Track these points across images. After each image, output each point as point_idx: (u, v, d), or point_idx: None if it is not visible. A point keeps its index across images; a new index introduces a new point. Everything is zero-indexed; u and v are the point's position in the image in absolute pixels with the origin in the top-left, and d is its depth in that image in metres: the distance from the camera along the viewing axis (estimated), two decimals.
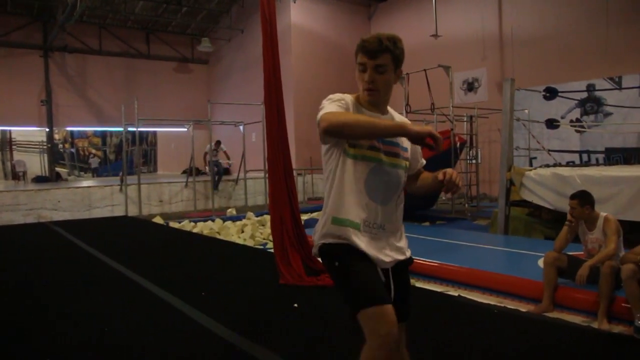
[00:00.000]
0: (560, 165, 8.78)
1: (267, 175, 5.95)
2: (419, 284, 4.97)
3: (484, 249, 6.17)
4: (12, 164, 19.42)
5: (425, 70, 9.96)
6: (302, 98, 14.63)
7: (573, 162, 10.76)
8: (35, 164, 19.95)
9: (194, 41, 18.85)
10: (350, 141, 1.85)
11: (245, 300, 4.49)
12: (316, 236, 1.96)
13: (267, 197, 9.84)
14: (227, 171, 13.77)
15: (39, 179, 16.48)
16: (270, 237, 6.31)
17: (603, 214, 4.05)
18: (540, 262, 4.31)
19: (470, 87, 13.38)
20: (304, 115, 14.53)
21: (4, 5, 15.33)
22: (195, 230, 9.19)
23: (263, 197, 12.93)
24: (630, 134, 10.04)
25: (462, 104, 12.57)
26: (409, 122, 1.87)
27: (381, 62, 1.83)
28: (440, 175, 1.86)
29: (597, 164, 10.24)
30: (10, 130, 20.52)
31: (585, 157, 10.81)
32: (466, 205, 11.10)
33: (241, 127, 13.20)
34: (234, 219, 10.22)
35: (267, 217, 8.30)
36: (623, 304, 3.63)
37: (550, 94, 11.15)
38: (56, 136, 20.18)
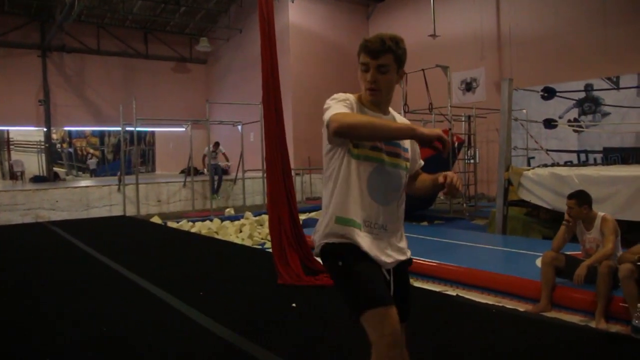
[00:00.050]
0: (558, 165, 8.79)
1: (265, 175, 5.97)
2: (418, 284, 4.97)
3: (482, 249, 6.18)
4: (10, 163, 19.39)
5: (423, 70, 9.96)
6: (300, 98, 14.63)
7: (571, 161, 10.77)
8: (33, 163, 19.93)
9: (192, 41, 18.84)
10: (354, 141, 1.85)
11: (244, 300, 4.49)
12: (317, 236, 1.95)
13: (265, 197, 9.83)
14: (225, 172, 13.73)
15: (36, 179, 16.45)
16: (269, 237, 6.30)
17: (601, 213, 4.06)
18: (538, 262, 4.31)
19: (469, 87, 13.39)
20: (302, 115, 14.53)
21: (1, 5, 15.30)
22: (193, 230, 9.18)
23: (261, 197, 12.93)
24: (628, 133, 10.06)
25: (460, 103, 12.58)
26: (408, 122, 1.88)
27: (383, 62, 1.84)
28: (441, 179, 1.86)
29: (595, 163, 10.26)
30: (8, 130, 20.48)
31: (583, 156, 10.83)
32: (464, 205, 11.11)
33: (239, 127, 13.20)
34: (232, 218, 10.22)
35: (266, 217, 8.30)
36: (621, 304, 3.64)
37: (548, 93, 11.16)
38: (54, 136, 20.15)
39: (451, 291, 4.75)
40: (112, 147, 25.07)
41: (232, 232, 8.80)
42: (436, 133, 1.72)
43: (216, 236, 8.68)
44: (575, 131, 10.77)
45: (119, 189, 12.27)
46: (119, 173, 12.82)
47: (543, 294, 4.02)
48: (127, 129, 12.82)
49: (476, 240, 6.59)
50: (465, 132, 11.59)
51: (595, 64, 10.61)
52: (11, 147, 21.09)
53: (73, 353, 3.31)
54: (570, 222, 4.13)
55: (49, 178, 16.74)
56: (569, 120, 11.02)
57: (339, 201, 1.88)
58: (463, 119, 11.68)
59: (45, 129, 16.77)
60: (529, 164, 10.34)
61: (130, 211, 11.93)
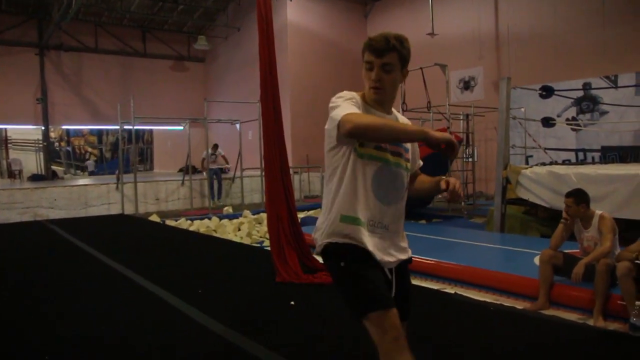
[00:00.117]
0: (556, 163, 8.82)
1: (263, 173, 5.96)
2: (416, 282, 4.97)
3: (480, 247, 6.19)
4: (8, 162, 19.37)
5: (421, 68, 9.96)
6: (299, 96, 14.63)
7: (569, 160, 10.79)
8: (31, 162, 19.92)
9: (190, 39, 18.81)
10: (362, 141, 1.85)
11: (242, 298, 4.49)
12: (319, 234, 1.94)
13: (263, 195, 9.83)
14: (223, 171, 13.68)
15: (35, 177, 16.43)
16: (267, 235, 6.31)
17: (598, 212, 4.07)
18: (536, 260, 4.33)
19: (467, 85, 13.40)
20: (301, 113, 14.53)
21: None
22: (191, 229, 9.18)
23: (259, 195, 12.93)
24: (626, 132, 10.08)
25: (459, 102, 12.58)
26: (409, 122, 1.87)
27: (388, 60, 1.83)
28: (443, 185, 1.87)
29: (593, 162, 10.28)
30: (5, 129, 20.46)
31: (581, 155, 10.84)
32: (462, 203, 11.13)
33: (237, 125, 13.18)
34: (230, 217, 10.22)
35: (264, 216, 8.30)
36: (618, 302, 3.66)
37: (547, 92, 11.18)
38: (52, 134, 20.16)
39: (449, 289, 4.76)
40: (110, 146, 25.06)
41: (230, 231, 8.80)
42: (447, 137, 1.73)
43: (214, 234, 8.68)
44: (573, 130, 10.78)
45: (117, 188, 12.25)
46: (117, 171, 12.80)
47: (541, 292, 4.03)
48: (125, 127, 12.80)
49: (474, 239, 6.60)
50: (463, 130, 11.59)
51: (594, 62, 10.63)
52: (9, 145, 21.07)
53: (72, 351, 3.31)
54: (568, 220, 4.13)
55: (47, 176, 16.72)
56: (567, 119, 11.03)
57: (344, 200, 1.87)
58: (461, 117, 11.69)
59: (43, 128, 16.74)
60: (527, 163, 10.35)
61: (129, 209, 11.92)
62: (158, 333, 3.61)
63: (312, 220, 8.20)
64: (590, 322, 3.68)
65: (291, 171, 6.04)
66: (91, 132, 24.82)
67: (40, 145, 18.38)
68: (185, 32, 18.97)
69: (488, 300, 4.34)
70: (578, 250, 4.23)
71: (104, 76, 17.38)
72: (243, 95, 14.75)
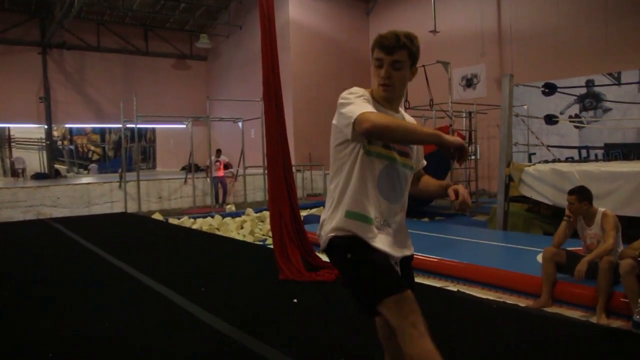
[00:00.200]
0: (559, 161, 8.78)
1: (266, 171, 5.98)
2: (419, 280, 4.97)
3: (483, 245, 6.19)
4: (11, 161, 19.43)
5: (424, 66, 9.91)
6: (301, 94, 14.62)
7: (572, 157, 10.76)
8: (34, 161, 19.97)
9: (192, 38, 18.83)
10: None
11: (245, 295, 4.50)
12: (324, 230, 1.94)
13: (266, 194, 9.85)
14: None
15: (38, 176, 16.48)
16: (270, 234, 6.32)
17: (601, 209, 4.06)
18: (539, 258, 4.32)
19: (469, 83, 13.37)
20: (303, 111, 14.53)
21: (1, 2, 15.29)
22: (194, 227, 9.20)
23: (262, 193, 12.94)
24: (630, 129, 10.05)
25: (461, 100, 12.55)
26: (414, 120, 1.87)
27: (398, 58, 1.84)
28: (452, 196, 1.88)
29: (596, 159, 10.25)
30: (9, 128, 20.52)
31: (584, 152, 10.81)
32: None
33: (240, 124, 13.19)
34: (233, 215, 10.23)
35: (267, 214, 8.31)
36: (621, 299, 3.65)
37: (549, 89, 11.15)
38: (55, 133, 20.17)
39: (452, 287, 4.76)
40: (113, 144, 25.11)
41: (233, 229, 8.81)
42: (459, 142, 1.74)
43: (217, 233, 8.69)
44: (576, 127, 10.76)
45: (120, 186, 12.28)
46: (120, 170, 12.83)
47: (544, 290, 4.03)
48: (128, 125, 12.82)
49: (477, 236, 6.60)
50: (466, 128, 11.57)
51: (597, 59, 10.59)
52: (12, 144, 21.13)
53: (75, 349, 3.32)
54: (571, 217, 4.13)
55: (50, 175, 16.77)
56: (570, 116, 11.00)
57: (351, 196, 1.88)
58: (464, 115, 11.67)
59: (46, 126, 16.78)
60: (529, 160, 10.33)
61: (132, 208, 11.95)
62: (161, 331, 3.62)
63: (314, 219, 8.21)
64: (593, 320, 3.68)
65: (294, 169, 6.05)
66: (94, 130, 24.86)
67: (43, 144, 18.43)
68: (187, 31, 18.98)
69: (491, 297, 4.34)
70: (581, 248, 4.23)
71: (106, 75, 17.42)
72: (245, 94, 14.76)
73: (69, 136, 24.65)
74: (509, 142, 7.26)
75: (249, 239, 8.07)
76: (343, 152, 1.90)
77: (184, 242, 7.65)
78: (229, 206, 11.73)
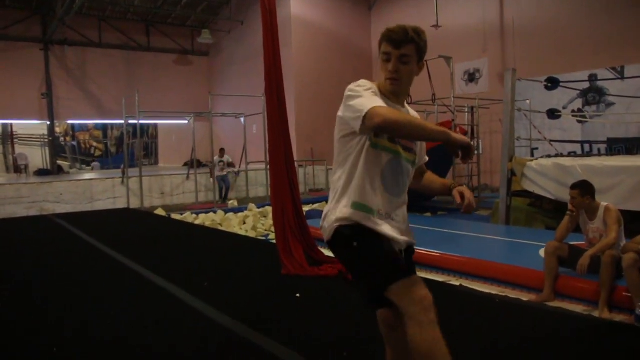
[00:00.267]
0: (561, 155, 8.78)
1: (268, 166, 5.96)
2: (421, 274, 4.93)
3: (485, 239, 6.19)
4: (14, 157, 19.46)
5: (426, 61, 9.80)
6: (303, 90, 14.61)
7: (575, 152, 10.74)
8: (37, 157, 20.00)
9: (194, 33, 18.79)
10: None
11: (248, 290, 4.51)
12: (328, 220, 1.94)
13: (268, 189, 9.85)
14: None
15: (40, 172, 16.51)
16: (272, 229, 6.33)
17: (604, 203, 4.05)
18: (542, 252, 4.32)
19: (472, 77, 13.34)
20: (305, 106, 14.52)
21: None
22: (197, 222, 9.22)
23: (264, 188, 12.96)
24: (633, 124, 10.00)
25: (463, 94, 12.53)
26: (418, 115, 1.88)
27: (405, 52, 1.84)
28: (457, 198, 1.90)
29: (599, 154, 10.22)
30: (11, 124, 20.54)
31: (587, 147, 10.79)
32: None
33: (242, 119, 13.19)
34: (235, 210, 10.25)
35: (269, 209, 8.33)
36: (624, 293, 3.65)
37: (552, 84, 11.10)
38: (57, 129, 20.20)
39: (455, 281, 4.77)
40: (115, 140, 25.14)
41: (235, 224, 8.83)
42: (466, 141, 1.75)
43: (220, 228, 8.71)
44: (579, 122, 10.72)
45: (122, 182, 12.31)
46: (122, 166, 12.85)
47: (546, 284, 4.03)
48: (130, 121, 12.84)
49: (480, 231, 6.60)
50: (468, 123, 11.56)
51: (600, 54, 10.54)
52: (15, 140, 21.17)
53: (78, 344, 3.34)
54: (573, 212, 4.13)
55: (52, 171, 16.80)
56: (573, 111, 10.97)
57: (355, 187, 1.89)
58: (466, 109, 11.65)
59: (48, 123, 16.80)
60: (532, 155, 10.31)
61: (134, 204, 11.98)
62: (164, 326, 3.63)
63: (317, 214, 8.21)
64: (596, 314, 3.69)
65: (296, 164, 6.05)
66: (96, 126, 24.88)
67: (46, 140, 18.46)
68: (189, 26, 18.95)
69: (493, 292, 4.34)
70: (583, 242, 4.23)
71: (108, 71, 17.41)
72: (247, 89, 14.74)
73: (71, 132, 24.68)
74: (511, 136, 7.25)
75: (252, 234, 8.09)
76: (349, 144, 1.90)
77: (186, 237, 7.67)
78: (231, 202, 11.74)
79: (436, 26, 12.52)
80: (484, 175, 12.25)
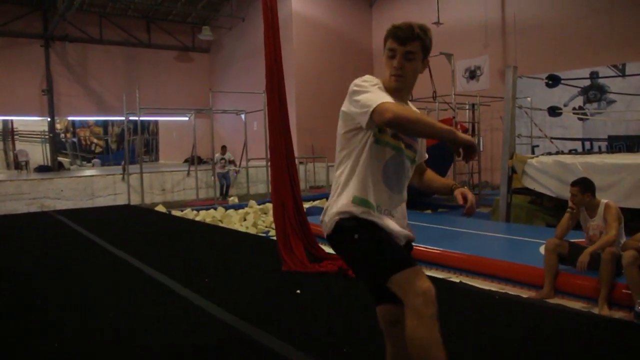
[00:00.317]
0: (562, 153, 8.78)
1: (269, 163, 5.96)
2: None
3: (485, 236, 6.20)
4: (15, 153, 19.47)
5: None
6: (304, 87, 14.60)
7: (575, 150, 10.73)
8: (38, 153, 20.02)
9: (194, 30, 18.76)
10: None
11: (249, 287, 4.52)
12: (328, 214, 1.94)
13: (269, 186, 9.86)
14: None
15: (41, 169, 16.53)
16: (273, 225, 6.33)
17: (604, 200, 4.06)
18: (542, 249, 4.33)
19: (473, 74, 13.32)
20: (306, 103, 14.51)
21: None
22: (197, 219, 9.23)
23: (265, 185, 12.97)
24: (634, 121, 9.99)
25: (464, 91, 12.51)
26: (419, 112, 1.88)
27: (411, 49, 1.84)
28: (460, 200, 1.90)
29: (600, 151, 10.22)
30: (12, 120, 20.55)
31: (587, 145, 10.77)
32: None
33: (243, 116, 13.19)
34: (236, 207, 10.26)
35: (270, 206, 8.33)
36: (624, 290, 3.67)
37: (553, 81, 11.09)
38: (58, 126, 20.20)
39: (455, 278, 4.78)
40: (115, 137, 25.13)
41: (236, 221, 8.84)
42: (471, 141, 1.75)
43: (220, 225, 8.72)
44: (580, 119, 10.71)
45: (123, 178, 12.31)
46: (123, 162, 12.86)
47: (546, 281, 4.04)
48: (131, 118, 12.83)
49: (480, 228, 6.61)
50: (469, 120, 11.54)
51: (601, 51, 10.53)
52: (15, 136, 21.18)
53: (79, 339, 3.35)
54: (573, 209, 4.13)
55: (53, 167, 16.82)
56: (574, 108, 10.95)
57: (357, 182, 1.89)
58: (467, 107, 11.64)
59: (49, 119, 16.80)
60: (533, 152, 10.31)
61: (135, 200, 11.99)
62: (164, 321, 3.64)
63: (317, 211, 8.22)
64: (595, 311, 3.69)
65: (296, 161, 6.05)
66: (97, 123, 24.87)
67: (46, 137, 18.46)
68: (190, 23, 18.92)
69: (493, 289, 4.35)
70: (584, 239, 4.23)
71: (109, 67, 17.40)
72: (248, 86, 14.74)
73: (71, 129, 24.68)
74: (512, 134, 7.25)
75: (252, 230, 8.10)
76: (352, 140, 1.90)
77: (187, 234, 7.68)
78: (231, 198, 11.76)
79: (437, 23, 12.49)
80: (484, 172, 12.24)
